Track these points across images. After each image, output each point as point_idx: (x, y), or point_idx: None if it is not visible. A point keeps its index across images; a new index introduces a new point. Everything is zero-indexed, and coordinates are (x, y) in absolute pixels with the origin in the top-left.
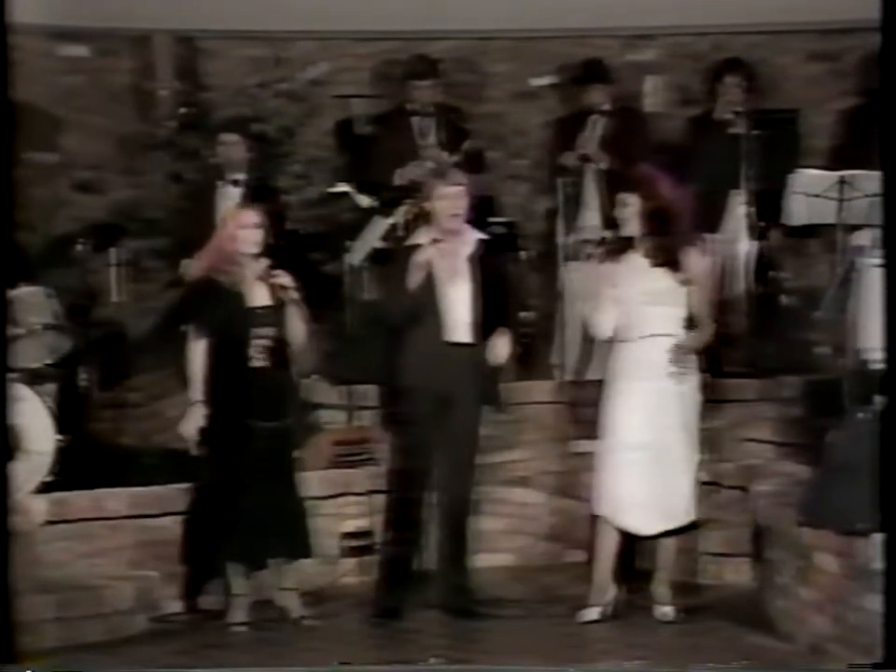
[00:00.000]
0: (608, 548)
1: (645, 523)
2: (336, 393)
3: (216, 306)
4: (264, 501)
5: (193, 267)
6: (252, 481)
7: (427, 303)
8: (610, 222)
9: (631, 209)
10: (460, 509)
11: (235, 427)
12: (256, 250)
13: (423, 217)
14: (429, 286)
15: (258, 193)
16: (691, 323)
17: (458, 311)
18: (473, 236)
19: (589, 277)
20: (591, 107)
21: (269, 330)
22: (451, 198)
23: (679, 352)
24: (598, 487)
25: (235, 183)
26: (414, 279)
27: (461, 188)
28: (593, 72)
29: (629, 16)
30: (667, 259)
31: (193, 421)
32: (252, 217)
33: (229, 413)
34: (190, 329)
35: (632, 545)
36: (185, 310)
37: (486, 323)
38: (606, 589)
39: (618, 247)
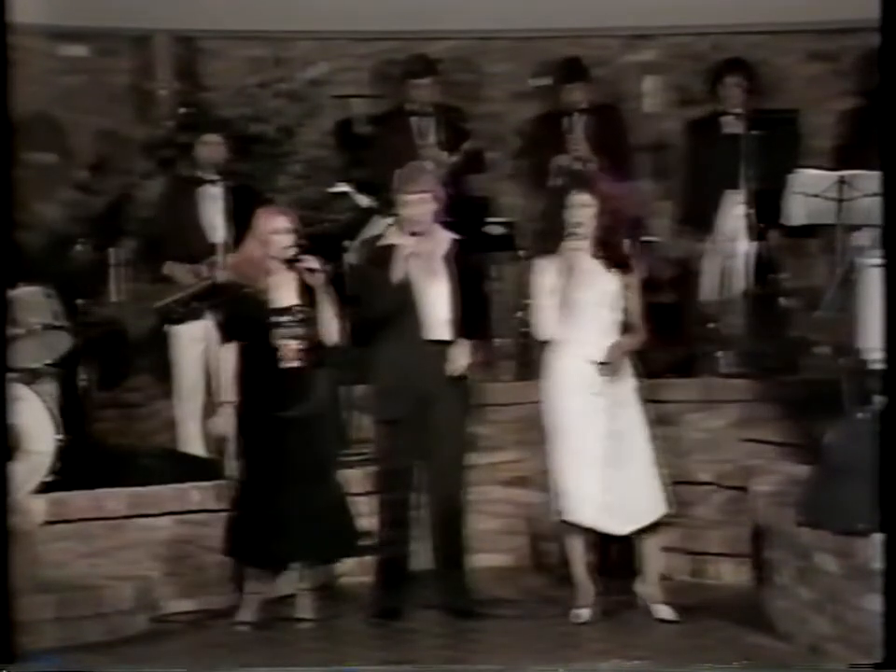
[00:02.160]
0: (578, 550)
1: (611, 523)
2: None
3: (240, 313)
4: (303, 500)
5: (225, 271)
6: (289, 479)
7: (406, 303)
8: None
9: (588, 210)
10: (452, 509)
11: (269, 427)
12: (287, 255)
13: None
14: (408, 286)
15: (238, 194)
16: (626, 327)
17: (437, 310)
18: (447, 236)
19: (533, 276)
20: (570, 106)
21: (298, 331)
22: (414, 205)
23: (612, 353)
24: (559, 492)
25: (213, 183)
26: (394, 281)
27: (426, 195)
28: (572, 70)
29: (629, 16)
30: (619, 261)
31: (224, 420)
32: (284, 221)
33: (262, 413)
34: (219, 334)
35: (624, 546)
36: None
37: (465, 321)
38: (588, 590)
39: (557, 244)
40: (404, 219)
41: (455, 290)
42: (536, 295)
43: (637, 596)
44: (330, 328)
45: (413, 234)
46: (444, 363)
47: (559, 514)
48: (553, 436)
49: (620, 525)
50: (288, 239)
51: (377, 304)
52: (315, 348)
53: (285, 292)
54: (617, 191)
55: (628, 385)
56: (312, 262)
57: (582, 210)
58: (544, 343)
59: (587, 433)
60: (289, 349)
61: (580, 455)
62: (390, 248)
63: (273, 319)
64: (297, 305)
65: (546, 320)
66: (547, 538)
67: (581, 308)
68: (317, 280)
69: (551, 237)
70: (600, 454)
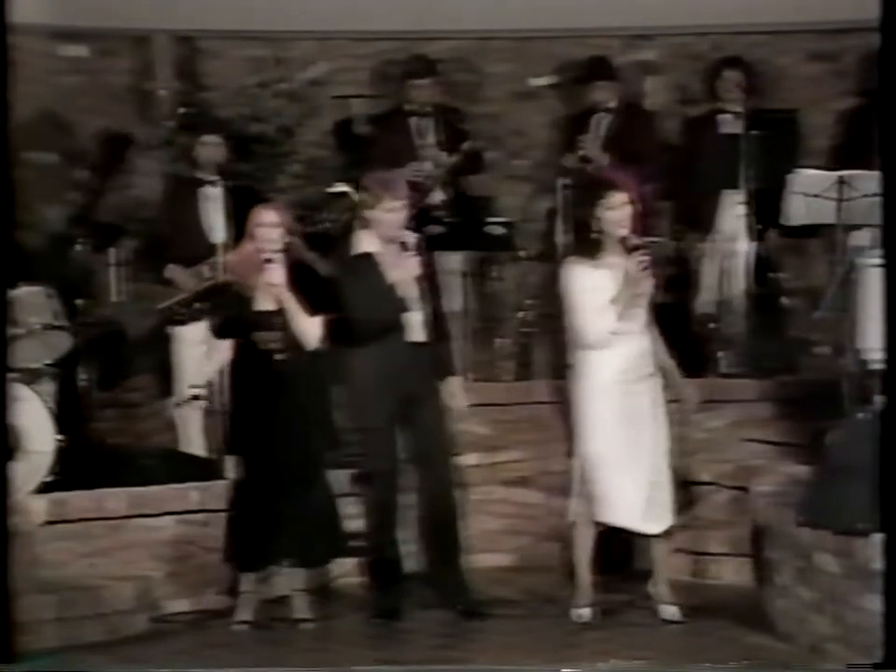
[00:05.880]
0: (586, 549)
1: (644, 523)
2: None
3: (227, 311)
4: (293, 501)
5: (223, 268)
6: (280, 480)
7: (386, 309)
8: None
9: (624, 210)
10: (444, 509)
11: (259, 427)
12: (276, 249)
13: (362, 223)
14: (387, 292)
15: (238, 195)
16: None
17: (414, 312)
18: (413, 237)
19: (569, 281)
20: (596, 105)
21: (276, 334)
22: (396, 211)
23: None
24: (588, 494)
25: (213, 184)
26: (375, 289)
27: (403, 203)
28: (598, 69)
29: (629, 16)
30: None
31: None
32: (270, 215)
33: (252, 413)
34: (210, 328)
35: (627, 544)
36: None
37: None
38: (589, 590)
39: (593, 248)
40: (380, 228)
41: (428, 290)
42: (577, 300)
43: (650, 597)
44: (306, 332)
45: (389, 242)
46: (424, 364)
47: (579, 515)
48: (584, 436)
49: (653, 525)
50: (275, 234)
51: (357, 312)
52: (297, 350)
53: (266, 295)
54: (641, 189)
55: (657, 384)
56: (272, 276)
57: (620, 210)
58: (579, 346)
59: (621, 434)
60: (273, 350)
61: (614, 457)
62: (365, 257)
63: (257, 319)
64: (274, 310)
65: (596, 323)
66: (548, 538)
67: (620, 310)
68: (278, 293)
69: (583, 239)
70: (633, 454)
